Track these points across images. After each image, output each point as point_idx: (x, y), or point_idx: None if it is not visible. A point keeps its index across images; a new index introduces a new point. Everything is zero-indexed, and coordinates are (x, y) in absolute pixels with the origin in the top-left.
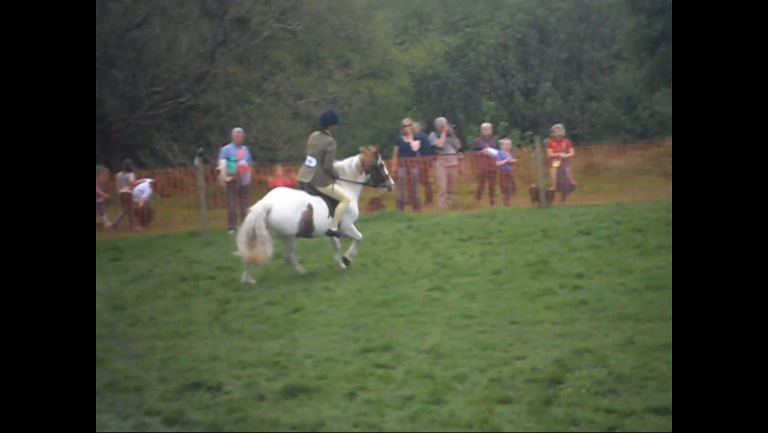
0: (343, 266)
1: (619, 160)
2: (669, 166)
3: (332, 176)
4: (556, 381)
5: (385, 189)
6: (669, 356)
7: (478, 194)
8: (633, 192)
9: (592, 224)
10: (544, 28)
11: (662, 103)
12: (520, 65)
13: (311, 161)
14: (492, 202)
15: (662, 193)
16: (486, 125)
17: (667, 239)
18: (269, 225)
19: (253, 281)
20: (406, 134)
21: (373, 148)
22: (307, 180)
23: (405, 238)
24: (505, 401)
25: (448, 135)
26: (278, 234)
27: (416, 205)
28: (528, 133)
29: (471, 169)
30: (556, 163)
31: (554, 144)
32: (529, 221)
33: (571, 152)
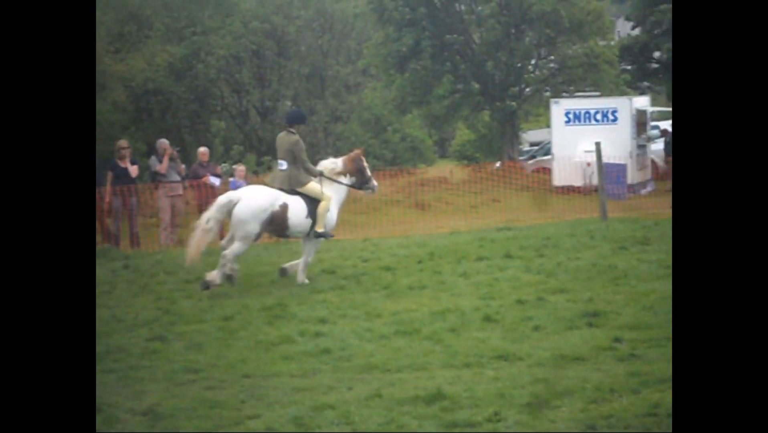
0: (306, 281)
1: None
2: (421, 197)
3: (311, 174)
4: None
5: (369, 191)
6: (419, 410)
7: None
8: (382, 226)
9: (336, 262)
10: (283, 39)
11: (413, 125)
12: (256, 80)
13: (282, 164)
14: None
15: (413, 226)
16: (203, 150)
17: (419, 278)
18: (231, 217)
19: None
20: (122, 158)
21: (357, 150)
22: (284, 186)
23: (120, 279)
24: None
25: (172, 159)
26: (237, 227)
27: (134, 241)
28: (266, 158)
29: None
30: None
31: None
32: (265, 259)
33: None
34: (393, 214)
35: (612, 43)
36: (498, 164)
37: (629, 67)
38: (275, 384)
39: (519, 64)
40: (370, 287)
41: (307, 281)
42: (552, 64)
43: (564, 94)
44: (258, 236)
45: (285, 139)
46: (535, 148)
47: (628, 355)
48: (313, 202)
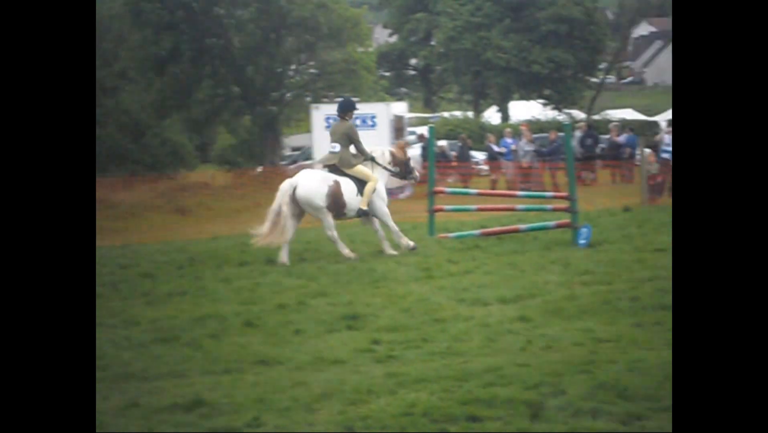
0: (394, 252)
1: (126, 194)
2: (182, 202)
3: (365, 155)
4: None
5: (412, 181)
6: (177, 417)
7: None
8: (141, 232)
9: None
10: None
11: (173, 130)
12: None
13: (335, 147)
14: None
15: (174, 232)
16: None
17: (179, 284)
18: (296, 201)
19: (287, 262)
20: None
21: (401, 143)
22: (332, 162)
23: None
24: None
25: None
26: (308, 209)
27: None
28: None
29: None
30: None
31: None
32: None
33: None
34: (153, 220)
35: (370, 49)
36: (260, 169)
37: (387, 74)
38: None
39: (279, 69)
40: (129, 294)
41: (412, 243)
42: (312, 70)
43: (324, 99)
44: (329, 208)
45: (340, 126)
46: (297, 153)
47: (386, 356)
48: (361, 183)
